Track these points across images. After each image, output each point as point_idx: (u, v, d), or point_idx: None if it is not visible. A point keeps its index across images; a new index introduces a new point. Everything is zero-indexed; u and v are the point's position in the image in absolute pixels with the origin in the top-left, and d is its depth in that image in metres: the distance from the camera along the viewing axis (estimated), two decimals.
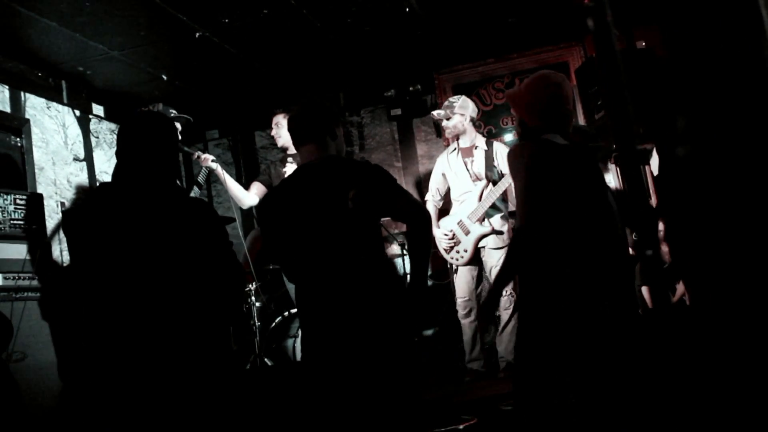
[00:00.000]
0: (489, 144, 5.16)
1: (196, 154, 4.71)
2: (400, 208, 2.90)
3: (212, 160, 4.69)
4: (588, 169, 3.01)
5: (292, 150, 4.87)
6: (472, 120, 5.21)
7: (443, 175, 5.30)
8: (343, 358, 2.78)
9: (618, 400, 2.85)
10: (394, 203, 2.88)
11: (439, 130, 6.89)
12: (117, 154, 2.62)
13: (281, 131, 4.89)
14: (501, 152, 5.00)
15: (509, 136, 6.52)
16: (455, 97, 5.28)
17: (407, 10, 5.21)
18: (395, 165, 7.04)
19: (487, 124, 6.67)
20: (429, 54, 6.39)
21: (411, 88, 6.75)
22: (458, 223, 5.05)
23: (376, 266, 2.88)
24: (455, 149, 5.24)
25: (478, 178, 5.06)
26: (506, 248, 4.86)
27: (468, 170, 5.11)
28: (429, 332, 6.00)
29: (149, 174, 2.58)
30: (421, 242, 2.89)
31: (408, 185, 6.99)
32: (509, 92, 3.30)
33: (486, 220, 4.97)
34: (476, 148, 5.16)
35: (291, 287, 4.14)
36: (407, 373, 2.84)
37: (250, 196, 4.98)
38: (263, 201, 3.00)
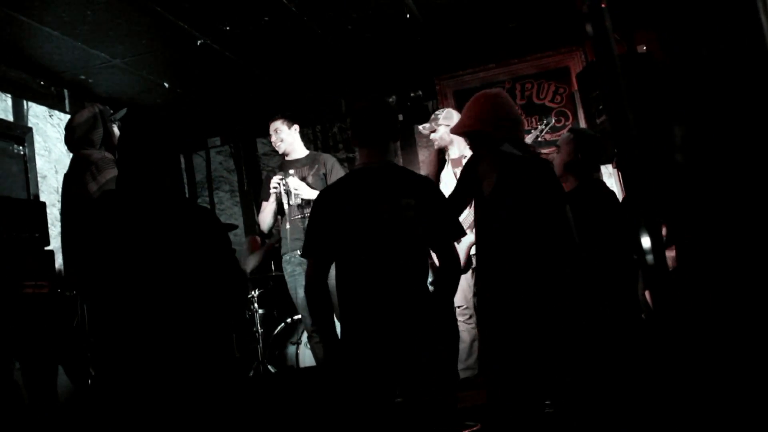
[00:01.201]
0: None
1: None
2: (442, 240, 2.92)
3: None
4: (542, 179, 3.05)
5: (292, 156, 4.88)
6: None
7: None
8: (383, 356, 2.77)
9: (574, 401, 2.92)
10: (441, 233, 2.90)
11: None
12: (117, 162, 2.63)
13: (282, 136, 4.89)
14: None
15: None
16: (440, 109, 5.30)
17: (408, 16, 5.22)
18: None
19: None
20: (430, 60, 6.40)
21: (412, 94, 6.75)
22: None
23: (420, 277, 2.89)
24: (446, 161, 5.25)
25: None
26: None
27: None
28: None
29: (151, 181, 2.58)
30: (449, 285, 2.94)
31: None
32: (452, 129, 3.35)
33: None
34: (465, 158, 5.16)
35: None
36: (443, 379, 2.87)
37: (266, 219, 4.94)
38: (319, 200, 2.97)
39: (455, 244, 3.19)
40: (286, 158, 4.95)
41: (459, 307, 5.10)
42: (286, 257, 4.75)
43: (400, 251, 2.84)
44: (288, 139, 4.90)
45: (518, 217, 2.94)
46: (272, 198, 4.74)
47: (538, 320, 2.90)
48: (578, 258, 3.08)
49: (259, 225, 5.08)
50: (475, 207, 3.03)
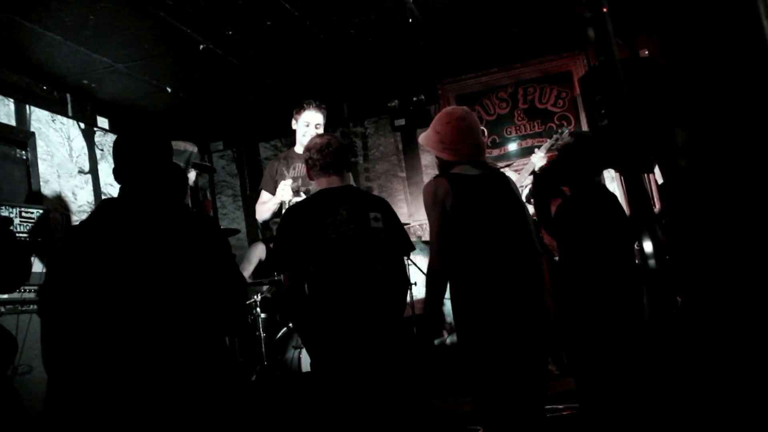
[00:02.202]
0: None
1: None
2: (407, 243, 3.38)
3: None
4: (498, 192, 3.22)
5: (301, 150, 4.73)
6: None
7: None
8: (358, 361, 3.04)
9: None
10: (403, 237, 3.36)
11: None
12: (115, 171, 2.63)
13: (321, 128, 4.77)
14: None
15: (513, 146, 6.53)
16: None
17: (410, 20, 5.23)
18: (399, 175, 7.05)
19: (491, 134, 6.67)
20: (432, 64, 6.40)
21: (414, 99, 6.76)
22: None
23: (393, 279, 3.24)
24: None
25: None
26: None
27: None
28: (435, 342, 5.99)
29: (151, 189, 2.59)
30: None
31: (412, 195, 7.00)
32: (421, 139, 3.48)
33: None
34: None
35: None
36: (414, 381, 3.06)
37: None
38: (289, 215, 3.30)
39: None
40: (296, 150, 4.80)
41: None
42: None
43: (373, 259, 3.15)
44: (320, 130, 4.74)
45: (479, 234, 3.09)
46: (279, 197, 4.52)
47: (516, 326, 3.03)
48: (541, 263, 3.29)
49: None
50: (439, 227, 3.18)
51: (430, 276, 3.17)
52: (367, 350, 3.03)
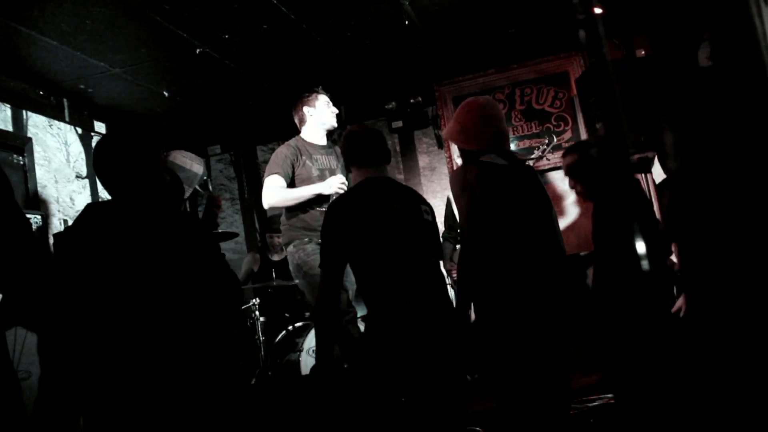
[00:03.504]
0: None
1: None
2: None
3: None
4: (527, 185, 3.13)
5: (315, 140, 4.62)
6: None
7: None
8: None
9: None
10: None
11: (440, 142, 6.90)
12: (98, 175, 2.60)
13: (333, 109, 4.64)
14: None
15: (511, 147, 6.53)
16: None
17: (406, 22, 5.23)
18: (397, 177, 7.05)
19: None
20: (429, 66, 6.40)
21: (412, 100, 6.76)
22: None
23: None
24: None
25: None
26: None
27: None
28: None
29: (134, 191, 2.56)
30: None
31: None
32: (444, 133, 3.43)
33: None
34: None
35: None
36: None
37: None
38: (336, 209, 3.09)
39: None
40: (309, 141, 4.61)
41: None
42: (315, 242, 4.37)
43: (425, 252, 3.01)
44: None
45: (504, 225, 3.00)
46: (327, 189, 4.26)
47: (538, 324, 2.95)
48: (564, 261, 3.16)
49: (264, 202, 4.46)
50: (469, 214, 3.08)
51: (461, 269, 3.07)
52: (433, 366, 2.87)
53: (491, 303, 3.00)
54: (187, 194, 4.07)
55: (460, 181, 3.08)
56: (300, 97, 4.64)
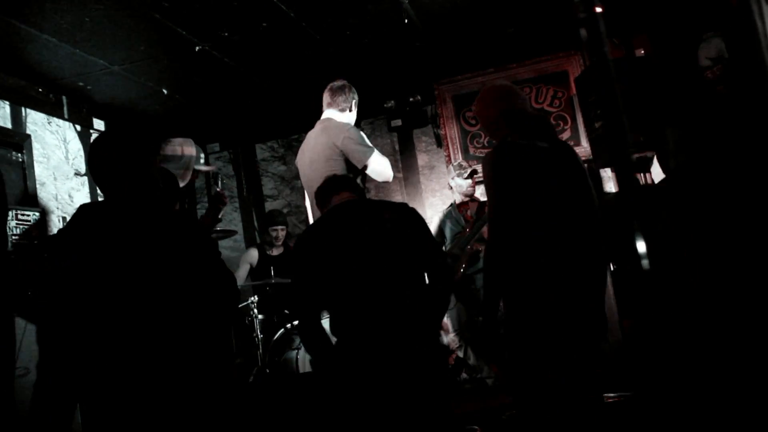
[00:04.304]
0: None
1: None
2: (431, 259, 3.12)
3: None
4: (560, 166, 2.96)
5: None
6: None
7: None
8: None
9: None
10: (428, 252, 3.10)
11: (439, 141, 6.91)
12: (93, 176, 2.59)
13: None
14: None
15: None
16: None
17: (406, 21, 5.23)
18: (396, 176, 7.05)
19: (487, 135, 6.67)
20: (428, 65, 6.41)
21: (411, 99, 6.76)
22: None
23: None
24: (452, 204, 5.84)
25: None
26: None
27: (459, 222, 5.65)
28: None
29: (128, 191, 2.55)
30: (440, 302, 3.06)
31: (409, 196, 7.00)
32: (475, 112, 3.33)
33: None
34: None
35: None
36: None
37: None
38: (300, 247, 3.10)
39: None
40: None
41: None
42: None
43: (391, 269, 2.92)
44: None
45: (545, 214, 2.84)
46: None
47: (576, 319, 2.82)
48: (604, 249, 2.97)
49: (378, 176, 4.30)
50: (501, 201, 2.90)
51: (489, 259, 2.89)
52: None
53: (526, 298, 2.85)
54: (187, 179, 4.07)
55: (498, 165, 2.89)
56: (348, 84, 4.67)
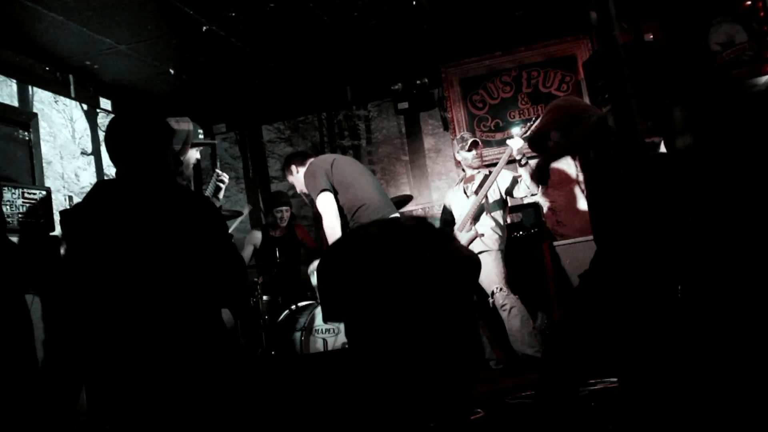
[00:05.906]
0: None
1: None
2: None
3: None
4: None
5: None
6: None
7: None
8: None
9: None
10: None
11: (446, 124, 6.89)
12: (110, 154, 2.62)
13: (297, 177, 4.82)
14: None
15: (516, 130, 6.51)
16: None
17: (414, 3, 5.20)
18: (402, 159, 7.04)
19: (494, 118, 6.66)
20: (436, 47, 6.38)
21: (418, 82, 6.73)
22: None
23: None
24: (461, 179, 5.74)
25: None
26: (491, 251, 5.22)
27: (465, 193, 5.54)
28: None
29: (144, 170, 2.58)
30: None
31: (415, 179, 6.99)
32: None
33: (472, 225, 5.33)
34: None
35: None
36: None
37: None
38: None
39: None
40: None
41: (498, 290, 5.11)
42: None
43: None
44: None
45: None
46: None
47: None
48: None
49: None
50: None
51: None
52: None
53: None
54: (187, 153, 4.08)
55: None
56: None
